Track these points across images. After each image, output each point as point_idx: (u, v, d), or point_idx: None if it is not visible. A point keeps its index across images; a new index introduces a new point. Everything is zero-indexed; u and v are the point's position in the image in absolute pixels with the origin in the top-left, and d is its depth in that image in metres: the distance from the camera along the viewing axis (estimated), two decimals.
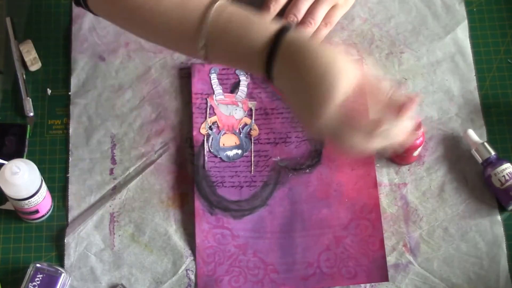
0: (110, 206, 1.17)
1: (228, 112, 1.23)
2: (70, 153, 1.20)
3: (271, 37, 0.99)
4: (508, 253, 1.15)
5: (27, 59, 1.25)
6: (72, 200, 1.18)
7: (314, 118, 0.96)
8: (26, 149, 1.20)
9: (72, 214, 1.17)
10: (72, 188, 1.19)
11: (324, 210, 1.17)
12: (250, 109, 1.23)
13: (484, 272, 1.14)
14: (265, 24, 1.01)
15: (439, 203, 1.17)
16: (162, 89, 1.24)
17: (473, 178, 1.18)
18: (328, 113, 0.95)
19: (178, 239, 1.16)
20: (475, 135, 1.18)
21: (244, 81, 1.24)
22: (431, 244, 1.15)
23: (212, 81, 1.24)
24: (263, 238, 1.16)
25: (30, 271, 1.11)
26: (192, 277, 1.14)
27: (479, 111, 1.23)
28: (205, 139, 1.21)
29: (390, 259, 1.14)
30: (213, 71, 1.24)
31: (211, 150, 1.20)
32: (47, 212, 1.17)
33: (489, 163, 1.16)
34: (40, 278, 1.11)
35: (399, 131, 0.97)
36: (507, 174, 1.15)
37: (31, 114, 1.22)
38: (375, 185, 1.18)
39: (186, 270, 1.14)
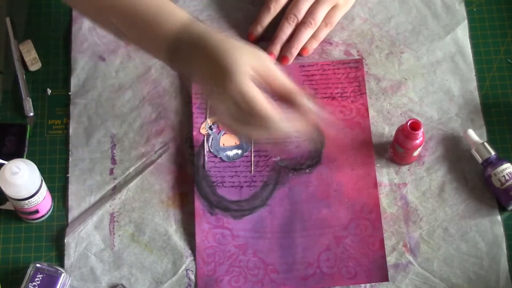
0: (110, 206, 1.17)
1: None
2: (70, 153, 1.20)
3: (178, 26, 1.03)
4: (508, 253, 1.15)
5: (27, 59, 1.25)
6: (72, 200, 1.18)
7: (218, 97, 1.00)
8: (26, 149, 1.20)
9: (72, 214, 1.17)
10: (72, 188, 1.19)
11: (324, 210, 1.17)
12: None
13: (484, 272, 1.14)
14: (174, 14, 1.04)
15: (439, 203, 1.17)
16: (162, 89, 1.24)
17: (473, 178, 1.18)
18: (230, 90, 0.99)
19: (178, 239, 1.16)
20: (475, 135, 1.18)
21: None
22: (431, 244, 1.15)
23: None
24: (263, 238, 1.16)
25: (30, 271, 1.11)
26: (192, 277, 1.14)
27: (479, 111, 1.23)
28: (205, 139, 1.21)
29: (390, 259, 1.14)
30: None
31: (211, 150, 1.20)
32: (47, 212, 1.16)
33: (489, 163, 1.16)
34: (40, 278, 1.11)
35: (280, 126, 1.01)
36: (507, 174, 1.15)
37: (31, 114, 1.22)
38: (375, 185, 1.18)
39: (186, 270, 1.14)
